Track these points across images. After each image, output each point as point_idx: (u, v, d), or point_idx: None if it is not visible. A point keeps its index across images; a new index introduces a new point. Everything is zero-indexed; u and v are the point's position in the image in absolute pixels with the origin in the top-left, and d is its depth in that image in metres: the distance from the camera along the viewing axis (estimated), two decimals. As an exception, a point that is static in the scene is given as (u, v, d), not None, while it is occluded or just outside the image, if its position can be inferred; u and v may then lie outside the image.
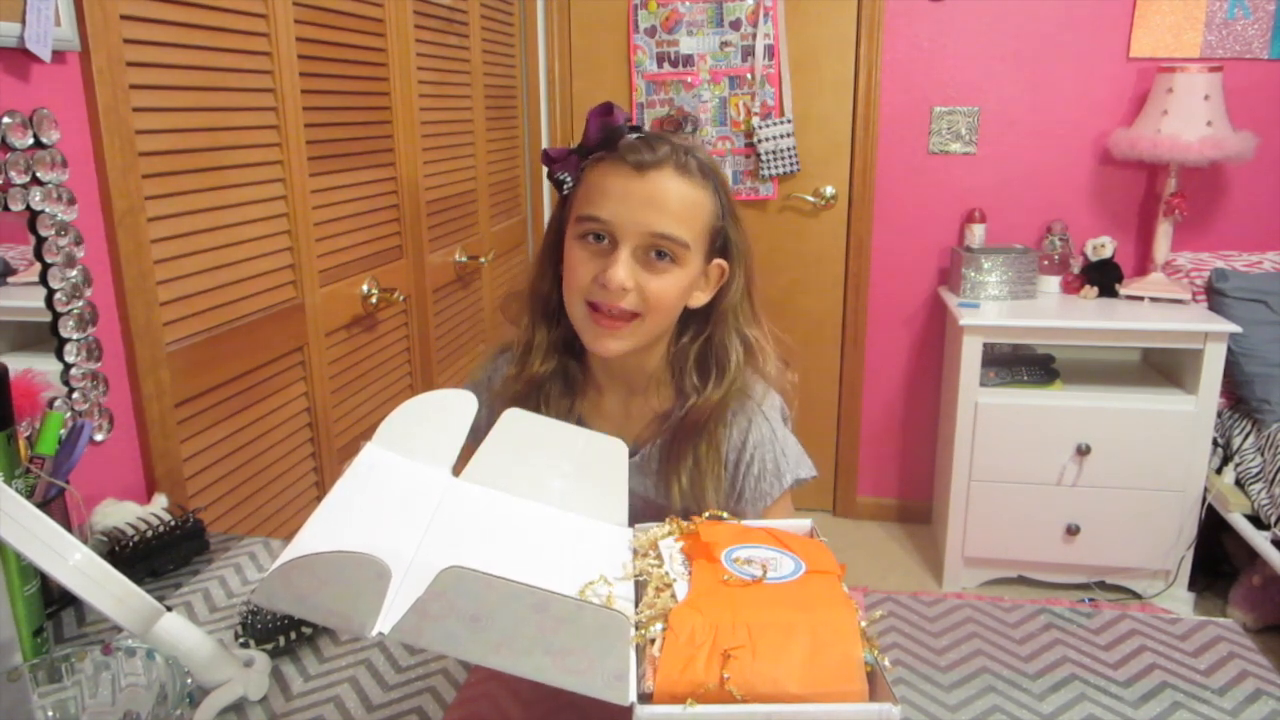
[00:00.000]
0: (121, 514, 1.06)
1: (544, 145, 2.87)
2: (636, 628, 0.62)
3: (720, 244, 1.03)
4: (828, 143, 2.85)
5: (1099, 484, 2.47)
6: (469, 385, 1.10)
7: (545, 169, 1.03)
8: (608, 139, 0.98)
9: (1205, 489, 2.41)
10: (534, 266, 1.08)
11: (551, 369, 1.06)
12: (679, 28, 2.84)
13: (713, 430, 1.03)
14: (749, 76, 2.83)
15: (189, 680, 0.70)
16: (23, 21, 0.99)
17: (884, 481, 3.09)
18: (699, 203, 0.98)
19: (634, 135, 0.98)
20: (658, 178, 0.95)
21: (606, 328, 0.98)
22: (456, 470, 0.80)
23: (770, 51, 2.80)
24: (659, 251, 0.96)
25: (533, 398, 1.06)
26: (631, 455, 0.99)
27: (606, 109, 0.98)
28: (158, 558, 1.04)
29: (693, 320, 1.05)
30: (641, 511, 0.93)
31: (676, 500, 1.02)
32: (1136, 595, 2.58)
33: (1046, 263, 2.69)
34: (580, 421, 1.07)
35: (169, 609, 0.75)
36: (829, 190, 2.88)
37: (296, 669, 0.85)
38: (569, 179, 1.01)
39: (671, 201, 0.96)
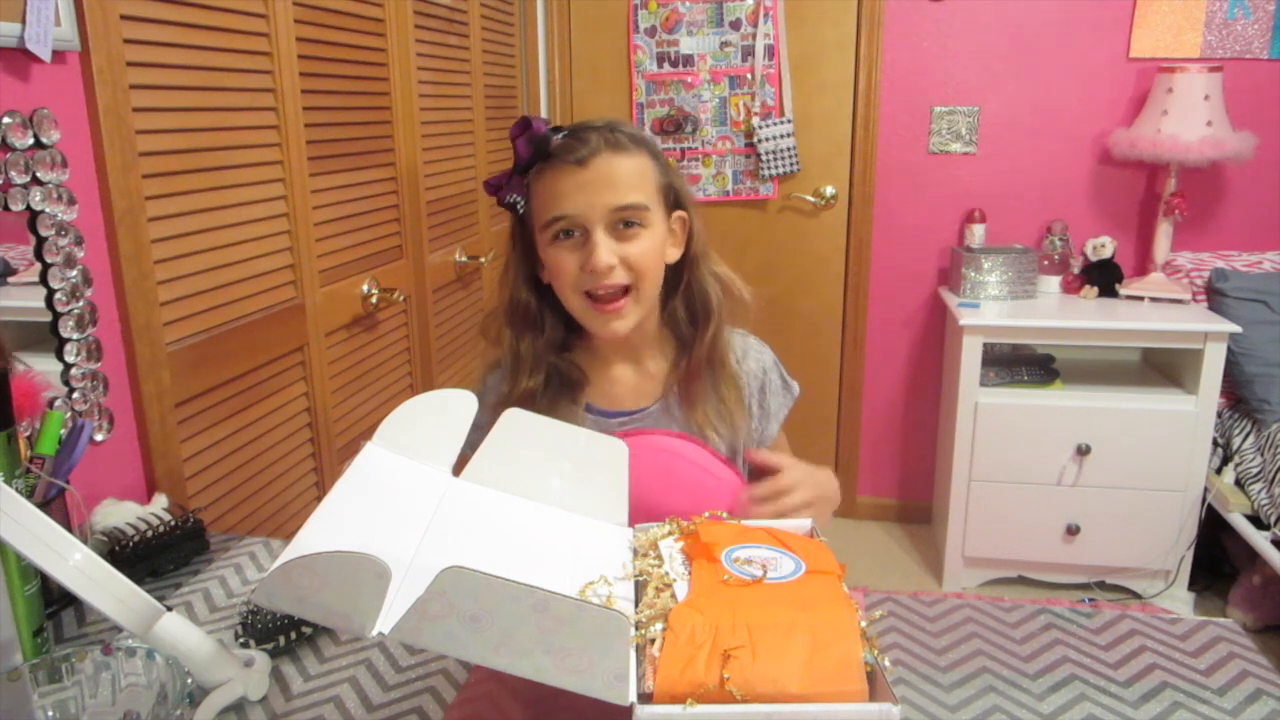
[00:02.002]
0: (121, 514, 1.06)
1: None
2: (636, 628, 0.62)
3: (673, 198, 1.10)
4: (828, 143, 2.85)
5: (1099, 484, 2.47)
6: None
7: (493, 197, 1.08)
8: (539, 149, 1.04)
9: (1205, 489, 2.41)
10: (504, 287, 1.12)
11: (542, 379, 1.09)
12: (679, 28, 2.84)
13: (722, 363, 1.12)
14: (749, 76, 2.83)
15: (189, 680, 0.70)
16: (23, 21, 0.99)
17: (884, 481, 3.09)
18: (641, 169, 1.05)
19: (560, 135, 1.05)
20: (598, 163, 1.02)
21: (608, 311, 1.04)
22: (456, 470, 0.80)
23: (770, 51, 2.80)
24: (626, 221, 1.03)
25: (529, 407, 1.07)
26: (645, 414, 1.10)
27: (525, 123, 1.04)
28: (158, 558, 1.04)
29: (670, 275, 1.12)
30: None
31: (714, 439, 1.10)
32: (1136, 595, 2.58)
33: (1046, 263, 2.69)
34: (591, 410, 1.11)
35: (169, 609, 0.75)
36: (829, 190, 2.88)
37: (296, 669, 0.85)
38: (519, 199, 1.06)
39: (619, 176, 1.02)
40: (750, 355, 1.15)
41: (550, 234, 1.03)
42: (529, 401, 1.08)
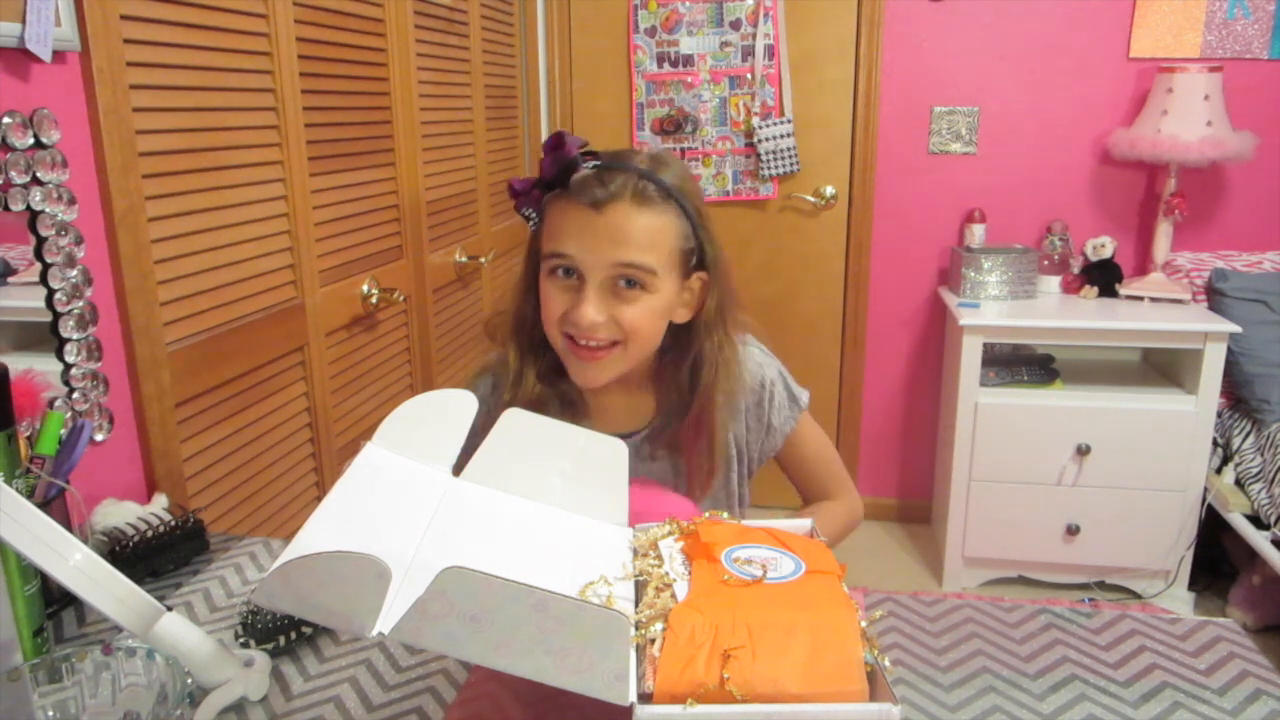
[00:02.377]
0: (122, 514, 1.06)
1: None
2: (636, 628, 0.62)
3: (696, 259, 1.03)
4: (828, 143, 2.85)
5: (1099, 484, 2.47)
6: None
7: (513, 201, 1.04)
8: (562, 173, 0.98)
9: (1205, 489, 2.42)
10: (515, 294, 1.09)
11: (543, 394, 1.07)
12: (679, 28, 2.84)
13: (710, 429, 1.07)
14: (749, 76, 2.83)
15: (189, 680, 0.70)
16: (23, 21, 0.99)
17: (884, 481, 3.09)
18: (662, 228, 0.98)
19: (590, 165, 0.98)
20: (614, 212, 0.95)
21: (587, 359, 1.00)
22: (456, 470, 0.80)
23: (770, 51, 2.80)
24: (628, 280, 0.97)
25: None
26: (639, 436, 1.08)
27: (558, 140, 0.98)
28: (158, 558, 1.04)
29: (678, 333, 1.06)
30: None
31: (697, 482, 1.08)
32: (1136, 595, 2.58)
33: (1046, 263, 2.69)
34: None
35: (169, 609, 0.75)
36: (829, 190, 2.88)
37: (296, 669, 0.85)
38: (534, 215, 1.02)
39: (633, 233, 0.96)
40: (749, 368, 1.10)
41: (548, 266, 1.00)
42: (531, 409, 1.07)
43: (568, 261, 0.97)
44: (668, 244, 0.99)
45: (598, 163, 0.99)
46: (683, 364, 1.06)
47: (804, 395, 1.17)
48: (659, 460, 1.11)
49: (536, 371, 1.07)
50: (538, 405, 1.05)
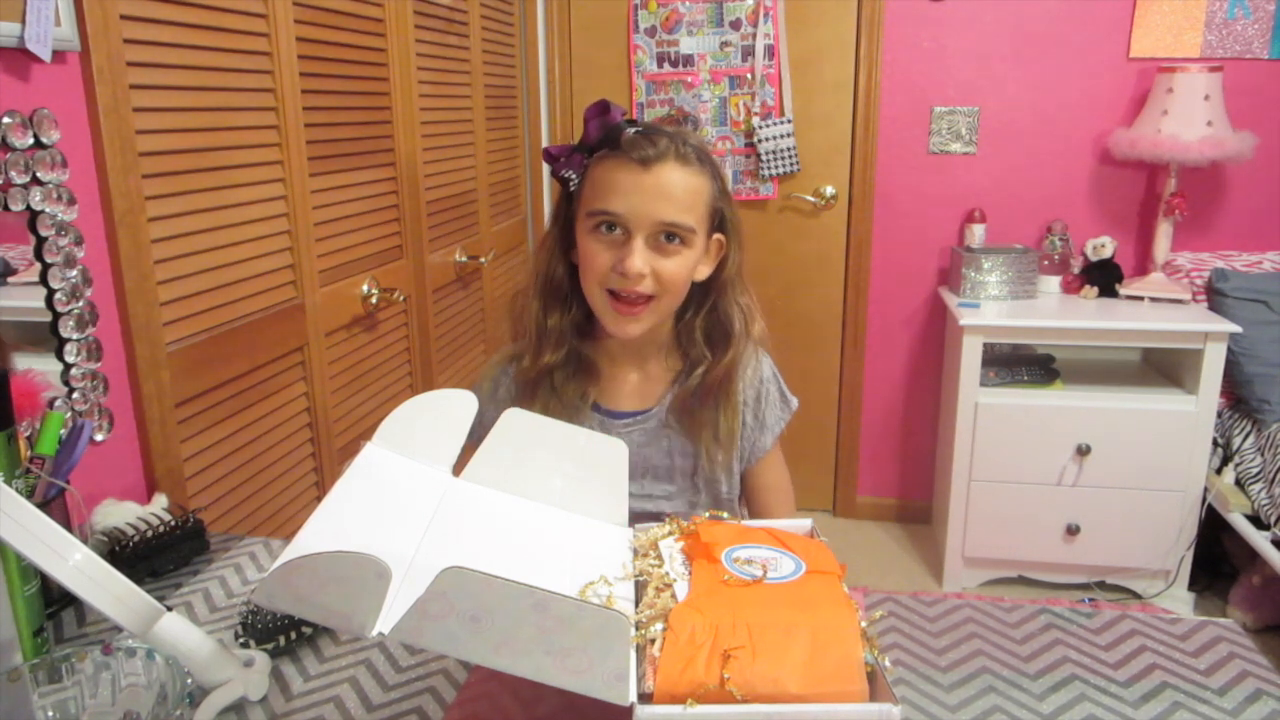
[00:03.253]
0: (121, 514, 1.06)
1: (544, 145, 2.87)
2: (636, 628, 0.62)
3: (718, 221, 1.10)
4: (828, 143, 2.85)
5: (1099, 484, 2.47)
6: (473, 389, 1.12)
7: (548, 166, 1.09)
8: (608, 136, 1.04)
9: (1205, 489, 2.41)
10: (540, 257, 1.13)
11: (563, 356, 1.11)
12: (679, 28, 2.84)
13: (730, 390, 1.13)
14: (749, 76, 2.83)
15: (189, 680, 0.70)
16: (23, 21, 0.99)
17: (884, 481, 3.09)
18: (700, 188, 1.06)
19: (633, 130, 1.05)
20: (661, 170, 1.02)
21: (626, 312, 1.05)
22: (456, 470, 0.80)
23: (770, 51, 2.80)
24: (668, 235, 1.04)
25: (545, 384, 1.11)
26: (649, 416, 1.12)
27: (603, 107, 1.04)
28: (158, 558, 1.04)
29: (695, 292, 1.12)
30: (667, 473, 1.13)
31: (703, 455, 1.12)
32: (1136, 595, 2.58)
33: (1046, 263, 2.69)
34: (594, 404, 1.13)
35: (169, 609, 0.75)
36: (829, 190, 2.88)
37: (296, 669, 0.85)
38: (574, 176, 1.07)
39: (677, 190, 1.03)
40: (749, 365, 1.16)
41: (592, 223, 1.04)
42: (548, 377, 1.11)
43: (614, 218, 1.03)
44: (703, 204, 1.06)
45: (640, 127, 1.05)
46: (699, 320, 1.13)
47: (794, 400, 1.21)
48: (677, 434, 1.14)
49: (559, 329, 1.11)
50: (553, 369, 1.10)
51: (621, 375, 1.15)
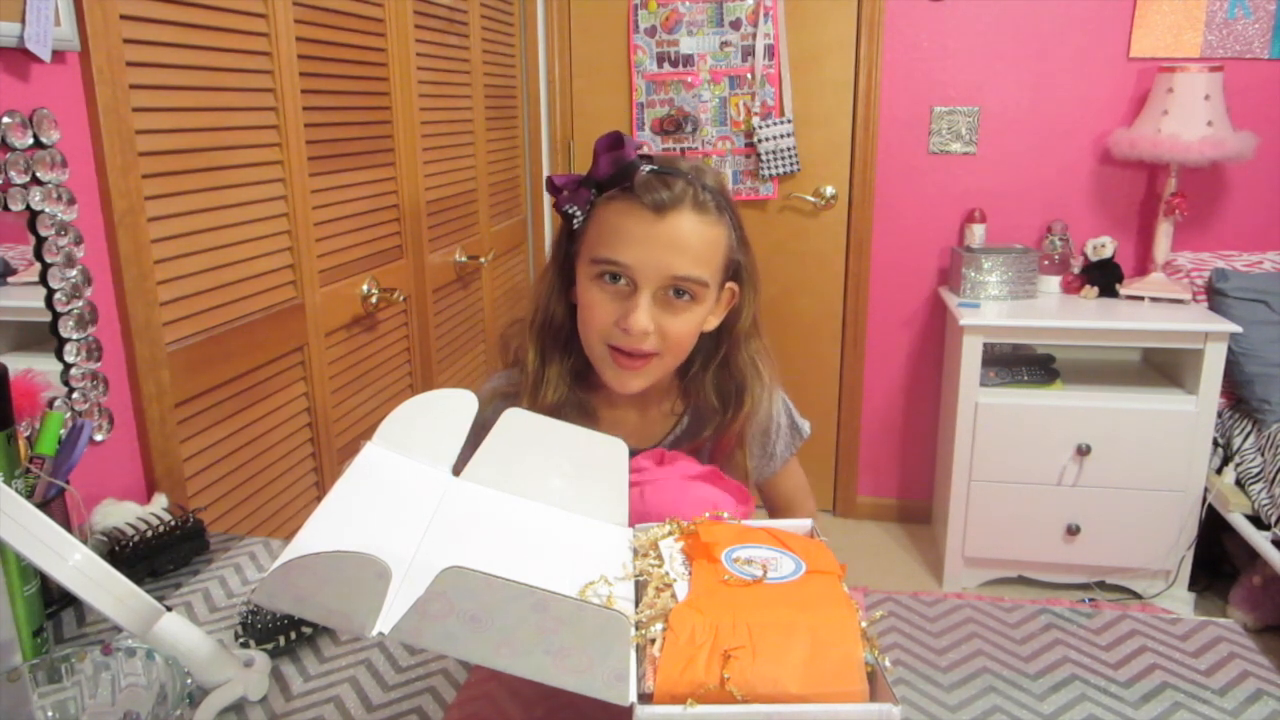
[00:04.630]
0: (121, 514, 1.06)
1: (544, 145, 2.88)
2: (636, 628, 0.62)
3: (733, 270, 1.03)
4: (828, 143, 2.85)
5: (1099, 484, 2.47)
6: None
7: (551, 198, 1.01)
8: (620, 174, 0.95)
9: (1205, 489, 2.41)
10: (540, 296, 1.06)
11: (563, 399, 1.05)
12: (679, 28, 2.84)
13: (742, 442, 1.07)
14: (749, 76, 2.83)
15: (189, 680, 0.70)
16: (23, 21, 0.99)
17: (884, 481, 3.09)
18: (716, 240, 0.98)
19: (647, 169, 0.96)
20: (677, 219, 0.94)
21: (627, 367, 0.99)
22: (456, 470, 0.80)
23: (770, 51, 2.80)
24: (678, 290, 0.96)
25: None
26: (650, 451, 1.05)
27: (616, 140, 0.96)
28: (158, 558, 1.04)
29: (703, 342, 1.05)
30: None
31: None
32: (1136, 595, 2.58)
33: (1047, 263, 2.69)
34: None
35: (169, 609, 0.75)
36: (829, 190, 2.88)
37: (296, 669, 0.85)
38: (579, 213, 0.98)
39: (692, 243, 0.95)
40: (763, 400, 1.09)
41: (596, 270, 0.97)
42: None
43: (621, 269, 0.95)
44: (719, 256, 0.99)
45: (654, 167, 0.97)
46: (708, 375, 1.06)
47: (805, 425, 1.15)
48: None
49: (558, 376, 1.04)
50: (554, 413, 1.03)
51: (620, 417, 1.09)
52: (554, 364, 1.04)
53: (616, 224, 0.95)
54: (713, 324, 1.04)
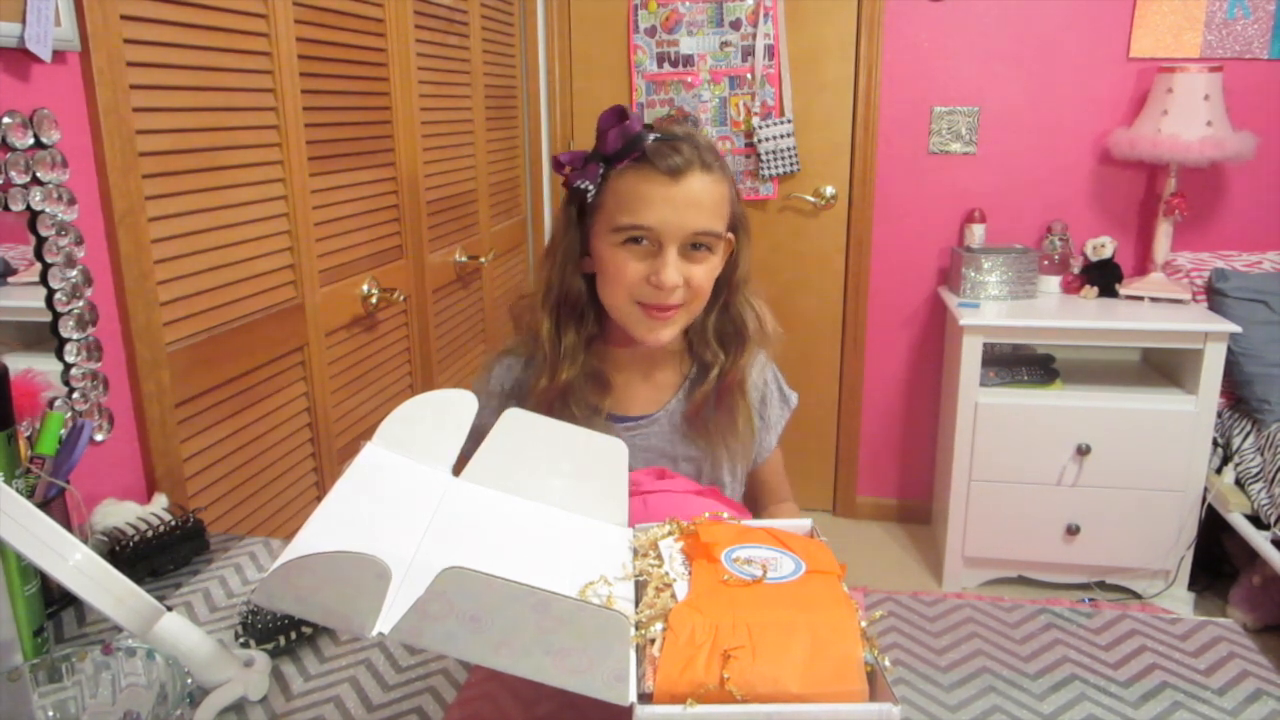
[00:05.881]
0: (121, 514, 1.06)
1: (544, 145, 2.88)
2: (636, 628, 0.62)
3: (733, 222, 1.10)
4: (828, 143, 2.85)
5: (1099, 484, 2.47)
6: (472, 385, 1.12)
7: (560, 175, 1.07)
8: (629, 146, 1.02)
9: (1205, 489, 2.41)
10: (553, 270, 1.10)
11: (579, 371, 1.10)
12: (679, 28, 2.84)
13: (744, 389, 1.13)
14: (749, 76, 2.83)
15: (189, 680, 0.70)
16: (23, 21, 0.99)
17: (884, 481, 3.09)
18: (723, 194, 1.06)
19: (653, 138, 1.03)
20: (690, 180, 1.02)
21: (659, 318, 1.05)
22: (456, 470, 0.80)
23: (770, 51, 2.80)
24: (696, 244, 1.04)
25: (562, 401, 1.10)
26: (655, 419, 1.12)
27: (620, 113, 1.02)
28: (158, 558, 1.04)
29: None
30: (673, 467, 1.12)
31: (721, 454, 1.12)
32: (1136, 595, 2.58)
33: (1046, 263, 2.69)
34: (607, 416, 1.12)
35: (169, 609, 0.75)
36: (829, 190, 2.88)
37: (296, 669, 0.85)
38: (591, 187, 1.04)
39: (706, 199, 1.03)
40: (755, 367, 1.17)
41: (621, 236, 1.03)
42: (564, 394, 1.09)
43: (647, 231, 1.02)
44: (726, 208, 1.07)
45: (658, 135, 1.04)
46: (710, 320, 1.12)
47: (793, 396, 1.21)
48: (685, 436, 1.13)
49: (574, 345, 1.10)
50: (571, 382, 1.08)
51: (631, 381, 1.15)
52: (570, 334, 1.10)
53: (636, 191, 1.02)
54: (715, 273, 1.11)
